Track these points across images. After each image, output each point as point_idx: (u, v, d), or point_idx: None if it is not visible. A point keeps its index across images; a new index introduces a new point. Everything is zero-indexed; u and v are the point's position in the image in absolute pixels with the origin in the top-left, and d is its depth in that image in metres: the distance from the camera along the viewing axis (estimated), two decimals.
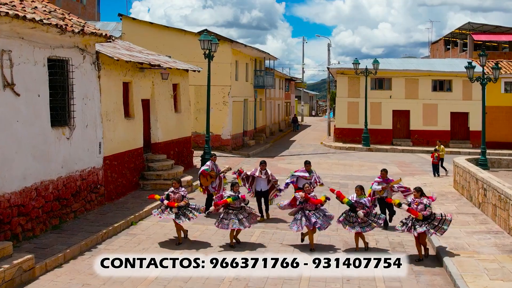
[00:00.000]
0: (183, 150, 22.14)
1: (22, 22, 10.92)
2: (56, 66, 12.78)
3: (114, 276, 9.85)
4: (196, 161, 23.64)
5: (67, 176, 13.11)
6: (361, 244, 11.74)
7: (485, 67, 24.10)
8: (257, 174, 14.21)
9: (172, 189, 12.00)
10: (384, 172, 13.80)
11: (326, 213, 11.76)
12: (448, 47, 53.08)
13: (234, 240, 11.77)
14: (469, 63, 23.10)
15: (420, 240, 11.09)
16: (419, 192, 11.28)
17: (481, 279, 9.79)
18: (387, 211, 13.85)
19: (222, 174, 14.95)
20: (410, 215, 11.13)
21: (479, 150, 28.47)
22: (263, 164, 14.37)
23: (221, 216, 11.68)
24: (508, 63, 37.86)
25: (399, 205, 11.36)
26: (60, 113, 12.96)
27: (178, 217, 11.64)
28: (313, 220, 11.39)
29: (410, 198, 11.61)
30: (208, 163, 14.98)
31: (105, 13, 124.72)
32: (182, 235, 12.07)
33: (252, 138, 36.52)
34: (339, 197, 11.75)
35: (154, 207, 14.07)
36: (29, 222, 11.51)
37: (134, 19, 31.62)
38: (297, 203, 11.68)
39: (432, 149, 34.06)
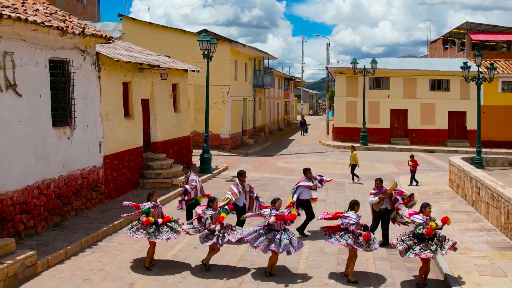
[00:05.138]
0: (182, 149, 22.41)
1: (24, 24, 11.17)
2: (57, 67, 13.04)
3: (113, 271, 10.15)
4: (195, 160, 23.92)
5: (68, 174, 13.39)
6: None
7: (481, 67, 24.37)
8: (238, 190, 12.45)
9: (151, 203, 10.55)
10: (378, 182, 12.38)
11: (293, 238, 10.14)
12: (446, 46, 53.32)
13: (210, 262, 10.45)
14: (465, 63, 23.36)
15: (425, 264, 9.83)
16: (428, 207, 9.96)
17: (471, 275, 10.06)
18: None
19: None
20: (409, 233, 9.99)
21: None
22: (243, 175, 12.73)
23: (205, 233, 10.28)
24: (506, 62, 38.09)
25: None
26: (61, 113, 13.24)
27: (155, 235, 10.26)
28: (284, 243, 9.87)
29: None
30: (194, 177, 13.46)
31: (105, 12, 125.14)
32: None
33: (251, 137, 36.78)
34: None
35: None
36: (31, 220, 11.79)
37: (134, 19, 31.88)
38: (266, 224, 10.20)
39: (431, 148, 34.70)
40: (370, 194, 12.58)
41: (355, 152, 21.72)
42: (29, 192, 11.76)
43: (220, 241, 10.11)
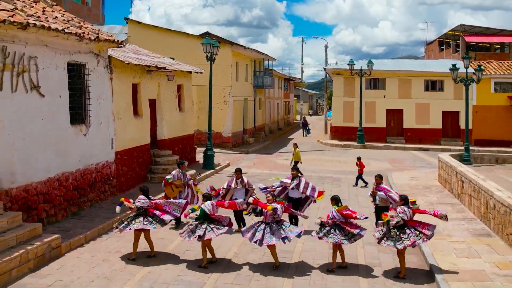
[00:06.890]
0: (186, 147, 23.61)
1: (47, 31, 12.35)
2: (74, 70, 14.23)
3: (129, 254, 11.33)
4: (199, 157, 25.12)
5: (84, 168, 14.59)
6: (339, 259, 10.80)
7: (472, 67, 25.53)
8: (233, 185, 13.29)
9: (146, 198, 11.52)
10: (378, 178, 13.05)
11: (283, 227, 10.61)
12: (442, 48, 54.53)
13: (207, 257, 10.73)
14: (453, 65, 24.52)
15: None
16: (403, 201, 10.59)
17: (449, 257, 11.25)
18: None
19: (191, 181, 13.82)
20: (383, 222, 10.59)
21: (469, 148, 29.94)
22: (238, 172, 13.36)
23: (190, 228, 10.73)
24: (499, 63, 39.26)
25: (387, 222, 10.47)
26: (78, 112, 14.43)
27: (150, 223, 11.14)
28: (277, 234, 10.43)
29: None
30: (173, 172, 13.78)
31: (108, 13, 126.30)
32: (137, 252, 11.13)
33: (251, 136, 37.99)
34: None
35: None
36: (52, 209, 12.99)
37: (139, 22, 33.09)
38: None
39: (426, 146, 35.85)
40: (382, 189, 12.78)
41: (297, 149, 22.94)
42: (51, 184, 12.96)
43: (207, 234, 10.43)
